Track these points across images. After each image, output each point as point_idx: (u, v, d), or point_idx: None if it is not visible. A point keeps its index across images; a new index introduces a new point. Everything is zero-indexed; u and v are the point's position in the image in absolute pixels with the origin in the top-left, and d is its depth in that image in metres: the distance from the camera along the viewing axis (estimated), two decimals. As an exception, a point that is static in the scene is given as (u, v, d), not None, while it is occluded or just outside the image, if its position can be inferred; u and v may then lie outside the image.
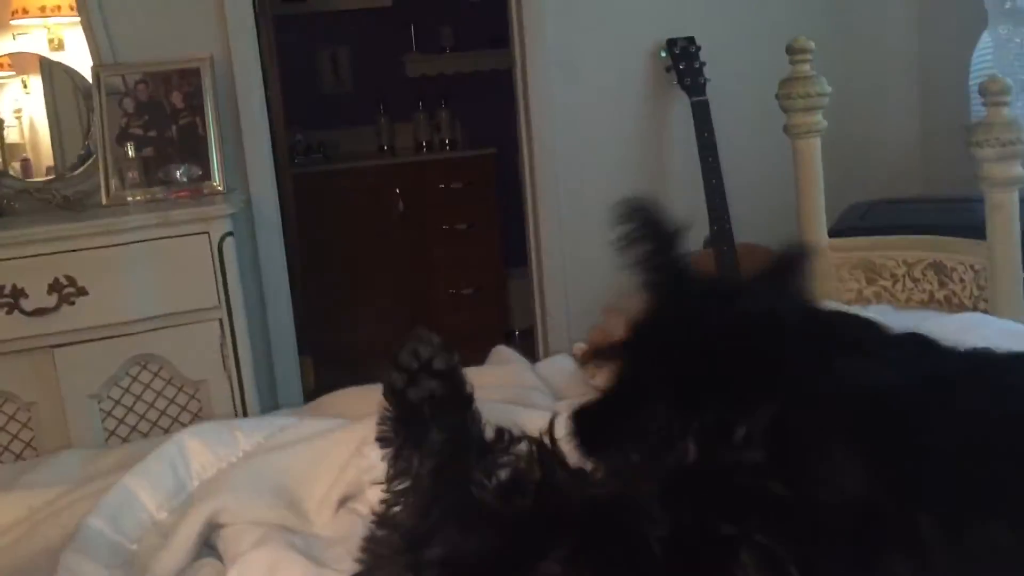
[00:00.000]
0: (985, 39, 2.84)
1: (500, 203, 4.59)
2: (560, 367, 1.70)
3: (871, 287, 2.02)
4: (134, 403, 2.49)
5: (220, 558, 1.11)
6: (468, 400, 0.94)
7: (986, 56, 2.83)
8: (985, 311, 1.77)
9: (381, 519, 0.92)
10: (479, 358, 4.68)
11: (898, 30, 3.32)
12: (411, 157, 4.61)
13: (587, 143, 3.22)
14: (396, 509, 0.91)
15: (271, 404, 2.79)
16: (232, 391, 2.56)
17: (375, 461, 1.19)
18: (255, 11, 2.93)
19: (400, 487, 0.92)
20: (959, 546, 0.82)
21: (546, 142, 3.19)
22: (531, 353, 4.12)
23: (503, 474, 0.89)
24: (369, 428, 1.25)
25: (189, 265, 2.45)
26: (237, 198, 2.65)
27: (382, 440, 0.96)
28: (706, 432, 0.87)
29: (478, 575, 0.80)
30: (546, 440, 0.92)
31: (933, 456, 0.86)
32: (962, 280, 1.88)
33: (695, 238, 3.19)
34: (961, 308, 1.89)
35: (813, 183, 2.09)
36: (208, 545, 1.14)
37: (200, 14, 2.83)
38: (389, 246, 4.36)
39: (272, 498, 1.16)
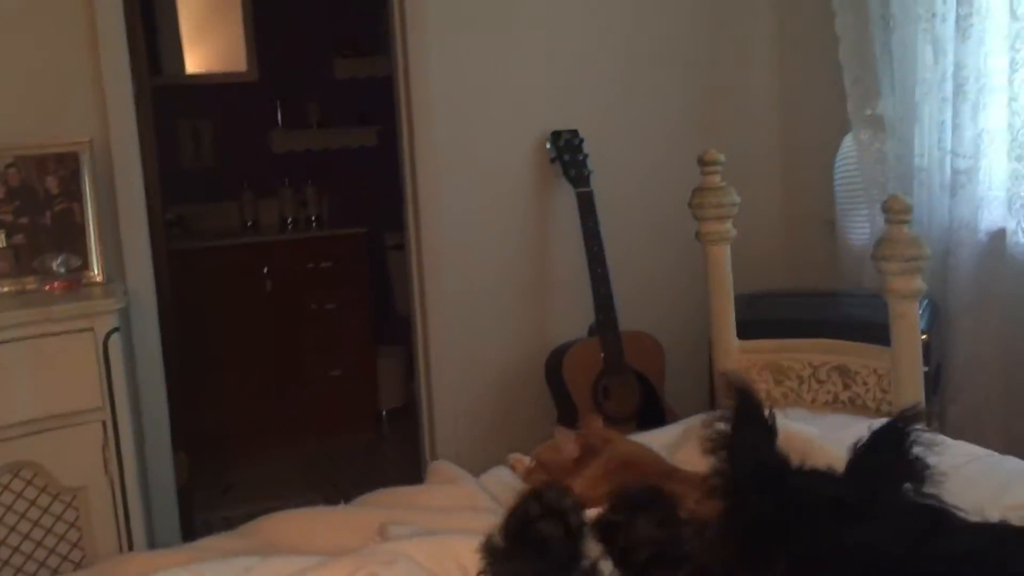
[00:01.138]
0: (847, 143, 3.06)
1: (371, 282, 4.55)
2: (502, 481, 1.69)
3: (779, 388, 2.12)
4: (4, 514, 2.29)
5: None
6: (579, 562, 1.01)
7: (849, 159, 3.05)
8: (889, 413, 1.88)
9: None
10: (350, 439, 4.58)
11: (762, 132, 3.53)
12: (279, 235, 4.51)
13: (475, 228, 3.24)
14: None
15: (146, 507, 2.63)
16: (114, 497, 2.40)
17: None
18: (135, 89, 2.81)
19: None
20: None
21: (435, 227, 3.19)
22: (410, 434, 4.08)
23: None
24: (347, 569, 1.21)
25: (72, 364, 2.30)
26: (120, 290, 2.51)
27: (487, 547, 1.02)
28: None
29: None
30: None
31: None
32: (865, 383, 2.01)
33: (580, 325, 3.26)
34: (865, 410, 2.01)
35: (724, 287, 2.18)
36: None
37: (76, 93, 2.69)
38: (258, 326, 4.22)
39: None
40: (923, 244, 1.84)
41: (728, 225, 2.16)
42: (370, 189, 4.69)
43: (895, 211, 1.81)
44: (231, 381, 4.13)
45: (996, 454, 1.70)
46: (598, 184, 3.19)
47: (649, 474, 1.48)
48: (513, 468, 1.75)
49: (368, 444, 4.43)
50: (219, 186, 4.64)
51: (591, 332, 3.23)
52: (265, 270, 4.27)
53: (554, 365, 3.20)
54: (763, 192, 3.52)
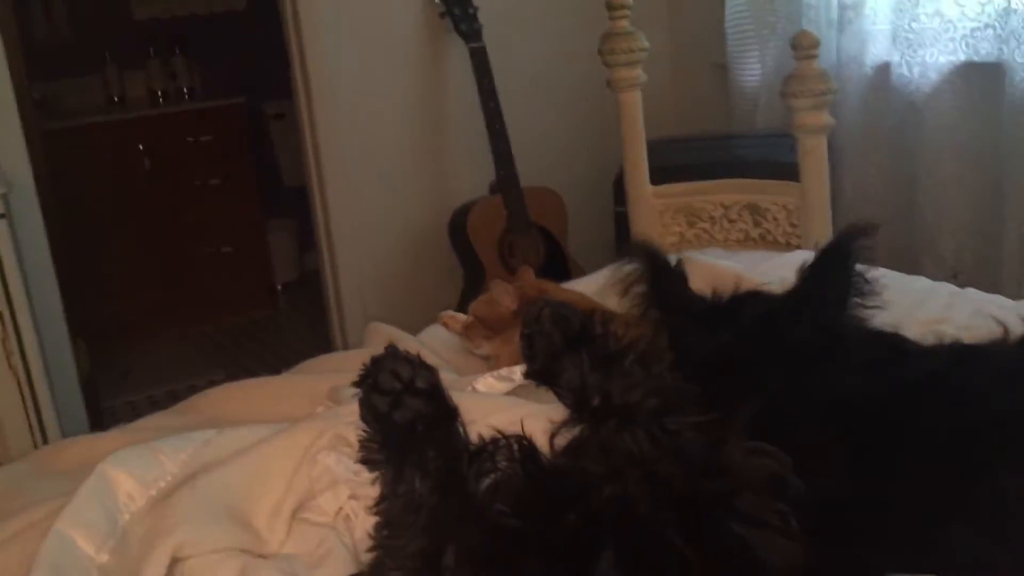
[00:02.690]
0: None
1: (255, 155, 4.39)
2: (440, 338, 1.70)
3: (692, 229, 2.17)
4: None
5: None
6: (453, 414, 0.95)
7: (738, 1, 3.06)
8: (798, 247, 1.97)
9: (381, 544, 0.90)
10: (248, 316, 4.51)
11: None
12: (151, 110, 4.27)
13: (368, 90, 3.14)
14: (397, 532, 0.90)
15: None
16: (20, 388, 2.31)
17: (331, 467, 1.15)
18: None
19: (397, 509, 0.91)
20: (920, 543, 0.94)
21: (326, 91, 3.08)
22: (307, 306, 4.03)
23: (490, 480, 0.91)
24: (312, 433, 1.20)
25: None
26: (1, 175, 2.35)
27: (368, 462, 0.95)
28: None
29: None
30: (524, 442, 0.94)
31: (890, 462, 0.96)
32: (775, 219, 2.07)
33: (481, 184, 3.25)
34: (775, 245, 2.08)
35: (637, 134, 2.19)
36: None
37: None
38: (141, 207, 4.04)
39: (227, 522, 1.09)
40: (830, 79, 1.89)
41: (639, 71, 2.16)
42: (243, 57, 4.47)
43: (804, 47, 1.84)
44: (120, 266, 3.98)
45: (904, 274, 1.79)
46: (490, 38, 3.11)
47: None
48: (446, 325, 1.76)
49: (267, 320, 4.37)
50: (79, 60, 4.33)
51: (492, 190, 3.22)
52: (141, 147, 4.07)
53: (458, 225, 3.19)
54: (651, 37, 3.50)
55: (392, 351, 0.96)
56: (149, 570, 1.01)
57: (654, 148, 2.94)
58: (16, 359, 2.29)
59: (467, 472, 0.91)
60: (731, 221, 2.14)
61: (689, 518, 0.83)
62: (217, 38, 4.56)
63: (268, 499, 1.14)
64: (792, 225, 2.06)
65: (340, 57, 3.07)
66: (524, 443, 0.91)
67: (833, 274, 1.18)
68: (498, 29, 3.15)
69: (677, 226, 2.16)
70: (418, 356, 0.96)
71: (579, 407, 0.98)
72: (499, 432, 0.93)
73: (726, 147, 2.99)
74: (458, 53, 3.16)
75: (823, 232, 1.92)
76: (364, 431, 0.95)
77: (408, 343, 1.63)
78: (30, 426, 2.32)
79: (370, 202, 3.22)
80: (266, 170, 4.55)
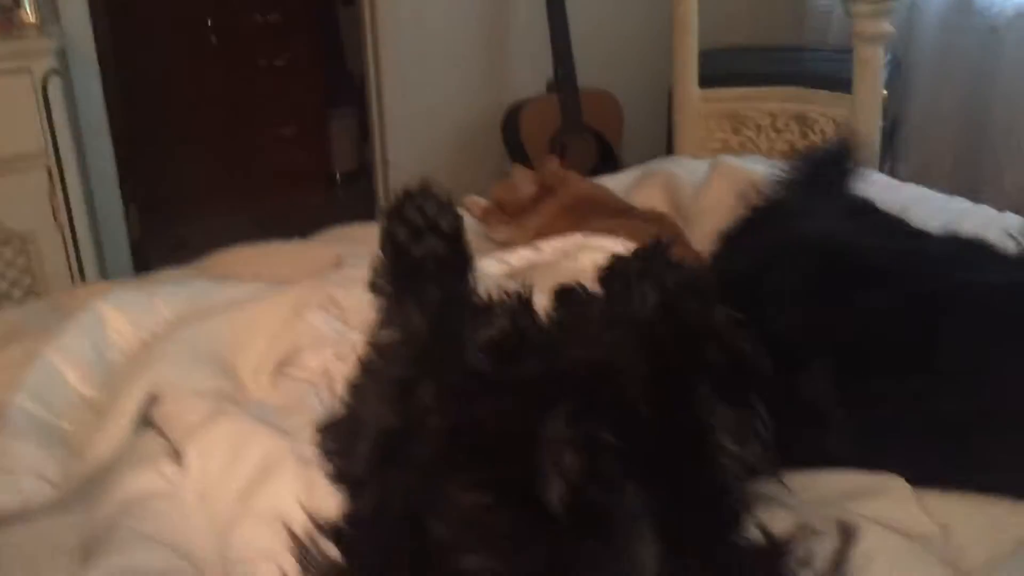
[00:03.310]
0: None
1: (322, 39, 4.37)
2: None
3: (736, 137, 2.11)
4: (-46, 259, 2.27)
5: (159, 432, 1.05)
6: (469, 262, 0.93)
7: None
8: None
9: (367, 366, 0.91)
10: (304, 200, 4.54)
11: None
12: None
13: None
14: (385, 358, 0.91)
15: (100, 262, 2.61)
16: (65, 245, 2.38)
17: (316, 325, 1.16)
18: None
19: (391, 337, 0.91)
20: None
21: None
22: (364, 196, 4.05)
23: (488, 334, 0.90)
24: (304, 292, 1.21)
25: (9, 106, 2.20)
26: (56, 32, 2.38)
27: (375, 288, 0.95)
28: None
29: (489, 438, 0.81)
30: (524, 303, 0.93)
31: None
32: (823, 131, 2.00)
33: (538, 82, 3.19)
34: (821, 158, 2.00)
35: (687, 36, 2.11)
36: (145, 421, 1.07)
37: None
38: (204, 82, 4.07)
39: (209, 367, 1.10)
40: (894, -17, 1.78)
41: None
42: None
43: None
44: (180, 139, 4.02)
45: (896, 181, 1.72)
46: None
47: (606, 210, 1.48)
48: (469, 211, 1.74)
49: (322, 205, 4.39)
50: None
51: (549, 88, 3.16)
52: (209, 22, 4.07)
53: (511, 122, 3.14)
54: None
55: (424, 188, 0.96)
56: (123, 403, 1.03)
57: (717, 55, 2.84)
58: (62, 215, 2.34)
59: (465, 317, 0.90)
60: (778, 131, 2.06)
61: (660, 386, 0.82)
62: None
63: (254, 351, 1.16)
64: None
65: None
66: (522, 298, 0.91)
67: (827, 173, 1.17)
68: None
69: (721, 132, 2.09)
70: (449, 199, 0.95)
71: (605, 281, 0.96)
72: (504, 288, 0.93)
73: (794, 59, 2.87)
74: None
75: (872, 145, 1.84)
76: (380, 259, 0.95)
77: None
78: (72, 282, 2.39)
79: (425, 95, 3.19)
80: (333, 57, 4.52)
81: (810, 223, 1.05)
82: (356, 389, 0.90)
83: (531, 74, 3.20)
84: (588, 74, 3.09)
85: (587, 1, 3.16)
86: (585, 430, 0.75)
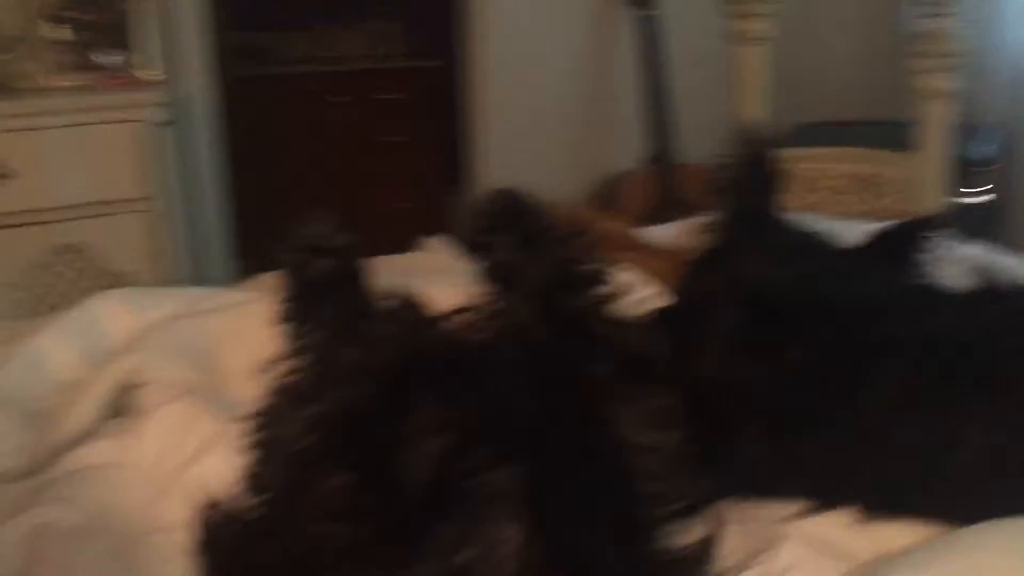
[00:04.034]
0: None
1: (445, 117, 4.52)
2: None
3: (811, 197, 2.04)
4: (61, 293, 2.43)
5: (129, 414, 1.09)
6: (363, 276, 0.98)
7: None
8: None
9: (281, 388, 0.92)
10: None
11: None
12: (352, 65, 4.50)
13: (530, 58, 3.17)
14: (295, 378, 0.93)
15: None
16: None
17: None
18: None
19: (300, 358, 0.94)
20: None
21: (490, 56, 3.14)
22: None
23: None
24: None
25: (120, 153, 2.39)
26: (173, 88, 2.57)
27: (282, 317, 0.99)
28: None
29: (356, 424, 0.81)
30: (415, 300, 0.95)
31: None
32: (887, 193, 1.91)
33: (636, 155, 3.20)
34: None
35: (750, 92, 2.08)
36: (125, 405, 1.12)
37: None
38: (328, 157, 4.28)
39: (191, 360, 1.14)
40: (961, 41, 1.70)
41: (763, 24, 2.05)
42: (451, 24, 4.61)
43: (927, 2, 1.67)
44: (297, 206, 4.21)
45: (1013, 257, 1.60)
46: (665, 7, 3.06)
47: (627, 247, 1.46)
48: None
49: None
50: (296, 15, 4.63)
51: (647, 163, 3.16)
52: (335, 101, 4.30)
53: (607, 195, 3.16)
54: (844, 13, 3.27)
55: (314, 214, 1.00)
56: (95, 386, 1.08)
57: (831, 130, 2.77)
58: (164, 260, 2.49)
59: (361, 328, 0.93)
60: (839, 193, 1.99)
61: (544, 379, 0.81)
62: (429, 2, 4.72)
63: (244, 350, 1.18)
64: (906, 200, 1.88)
65: (509, 18, 3.12)
66: (411, 304, 0.94)
67: (895, 249, 1.12)
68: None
69: (792, 195, 2.02)
70: (336, 219, 0.99)
71: (491, 279, 0.97)
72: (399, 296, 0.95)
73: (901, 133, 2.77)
74: (629, 20, 3.12)
75: (937, 204, 1.74)
76: (286, 288, 1.00)
77: (444, 257, 1.64)
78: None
79: (525, 169, 3.25)
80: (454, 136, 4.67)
81: (742, 265, 1.02)
82: (267, 410, 0.91)
83: (627, 149, 3.22)
84: (687, 149, 3.08)
85: (688, 76, 3.17)
86: (450, 412, 0.75)
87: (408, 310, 0.94)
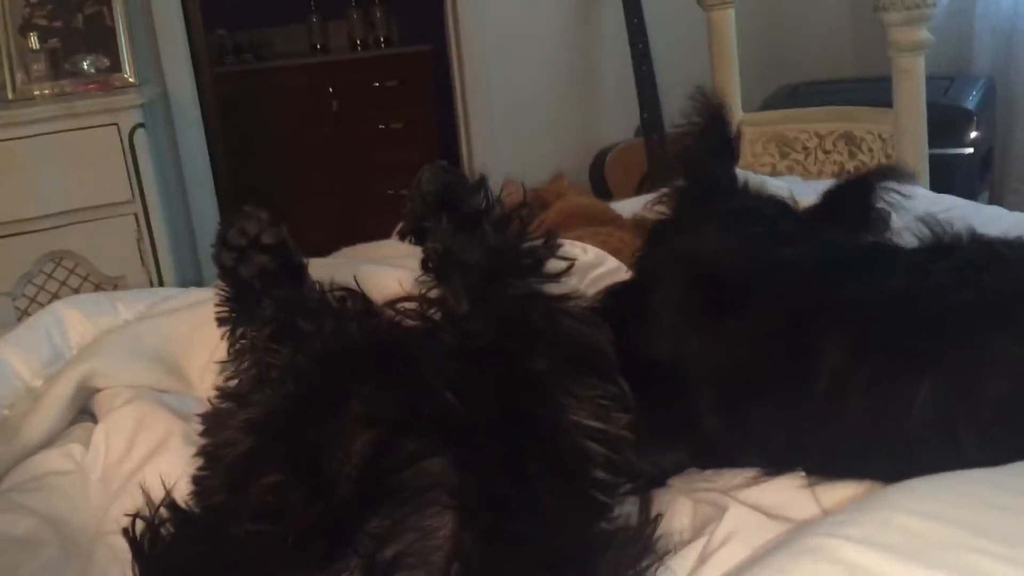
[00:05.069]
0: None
1: (438, 101, 4.51)
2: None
3: (784, 161, 2.02)
4: (50, 301, 2.44)
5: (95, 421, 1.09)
6: (299, 270, 0.95)
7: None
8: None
9: (222, 391, 0.91)
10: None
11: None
12: (343, 55, 4.49)
13: (517, 36, 3.15)
14: (235, 381, 0.92)
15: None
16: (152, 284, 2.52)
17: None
18: None
19: (240, 360, 0.92)
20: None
21: (475, 35, 3.12)
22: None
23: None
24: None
25: (99, 158, 2.39)
26: (148, 90, 2.56)
27: (220, 320, 0.97)
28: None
29: (286, 423, 0.80)
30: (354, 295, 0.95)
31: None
32: (871, 150, 1.88)
33: (626, 127, 3.17)
34: (871, 177, 1.89)
35: (727, 56, 2.05)
36: (85, 411, 1.12)
37: None
38: (325, 147, 4.28)
39: (149, 362, 1.14)
40: (930, -10, 1.67)
41: (730, -12, 2.02)
42: (439, 7, 4.58)
43: (903, -48, 1.64)
44: (298, 202, 4.22)
45: (975, 203, 1.58)
46: (644, -24, 3.02)
47: (595, 221, 1.45)
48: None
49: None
50: (285, 10, 4.62)
51: (636, 133, 3.14)
52: (330, 90, 4.30)
53: (598, 168, 3.13)
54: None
55: (244, 210, 0.98)
56: (56, 390, 1.08)
57: (800, 91, 2.73)
58: (150, 259, 2.50)
59: (303, 325, 0.91)
60: (826, 152, 1.96)
61: (481, 371, 0.80)
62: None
63: (203, 350, 1.18)
64: (887, 156, 1.85)
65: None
66: (355, 295, 0.93)
67: (851, 205, 1.09)
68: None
69: (769, 156, 2.00)
70: (268, 214, 0.96)
71: (428, 265, 0.95)
72: (338, 288, 0.93)
73: (880, 91, 2.73)
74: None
75: (918, 162, 1.71)
76: (222, 289, 0.97)
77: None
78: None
79: (515, 144, 3.23)
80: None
81: (690, 237, 1.00)
82: (209, 416, 0.91)
83: (621, 120, 3.19)
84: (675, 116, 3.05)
85: (672, 45, 3.13)
86: (382, 405, 0.74)
87: (349, 302, 0.93)
